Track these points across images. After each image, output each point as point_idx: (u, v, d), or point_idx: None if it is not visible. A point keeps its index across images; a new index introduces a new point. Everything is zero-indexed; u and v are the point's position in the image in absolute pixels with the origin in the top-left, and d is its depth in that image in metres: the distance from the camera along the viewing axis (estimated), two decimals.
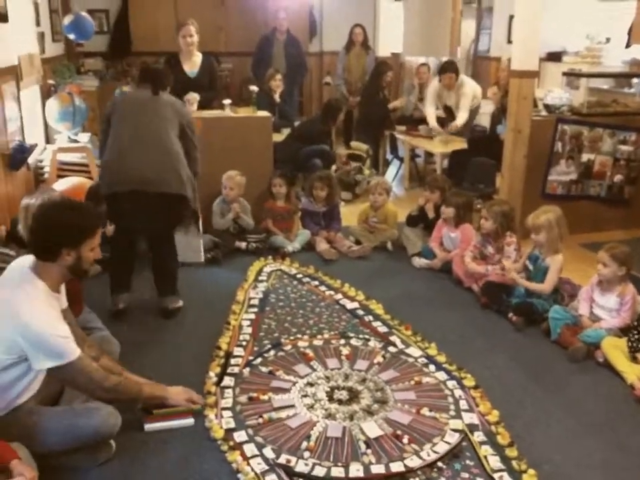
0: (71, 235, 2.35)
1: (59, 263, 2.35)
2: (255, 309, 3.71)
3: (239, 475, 2.34)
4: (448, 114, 6.41)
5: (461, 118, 6.21)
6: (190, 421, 2.64)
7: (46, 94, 5.75)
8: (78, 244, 2.36)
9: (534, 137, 4.81)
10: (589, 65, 6.68)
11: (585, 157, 4.98)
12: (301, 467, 2.39)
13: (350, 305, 3.78)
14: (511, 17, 7.22)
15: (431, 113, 6.35)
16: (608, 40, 6.90)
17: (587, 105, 5.09)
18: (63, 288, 2.49)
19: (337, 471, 2.37)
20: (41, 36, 5.98)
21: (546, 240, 3.59)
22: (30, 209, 3.16)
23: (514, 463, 2.41)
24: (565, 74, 5.82)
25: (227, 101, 5.04)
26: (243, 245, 4.61)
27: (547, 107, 5.03)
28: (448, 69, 6.22)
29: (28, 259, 2.39)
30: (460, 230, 4.28)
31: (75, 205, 2.46)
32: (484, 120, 6.84)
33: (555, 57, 7.09)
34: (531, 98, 4.83)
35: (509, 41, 7.43)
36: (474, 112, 6.52)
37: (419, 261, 4.42)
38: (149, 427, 2.59)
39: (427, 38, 9.44)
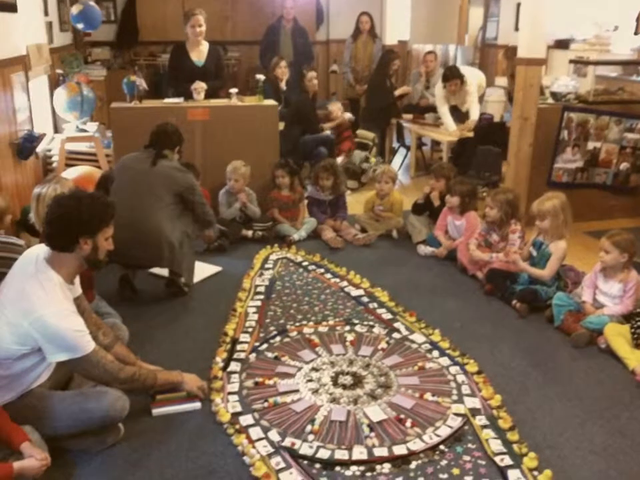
0: (88, 223, 2.37)
1: (76, 253, 2.38)
2: (261, 296, 3.75)
3: (245, 458, 2.38)
4: (454, 111, 6.38)
5: (474, 114, 6.18)
6: (197, 404, 2.69)
7: (54, 84, 5.79)
8: (95, 232, 2.40)
9: (540, 124, 4.81)
10: (597, 53, 6.64)
11: (591, 144, 4.97)
12: (305, 450, 2.43)
13: (355, 292, 3.82)
14: (519, 4, 7.17)
15: (447, 113, 6.29)
16: (616, 27, 6.85)
17: (593, 92, 5.07)
18: (77, 278, 2.52)
19: (341, 454, 2.41)
20: (49, 25, 6.02)
21: (550, 226, 3.60)
22: (42, 197, 3.20)
23: (515, 446, 2.44)
24: (572, 61, 5.79)
25: (233, 90, 5.07)
26: (250, 233, 4.65)
27: (553, 94, 5.02)
28: (452, 75, 6.16)
29: (42, 249, 2.41)
30: (465, 218, 4.29)
31: (89, 195, 2.48)
32: (490, 107, 6.83)
33: (562, 44, 7.06)
34: (538, 86, 4.82)
35: (517, 29, 7.40)
36: (479, 100, 6.49)
37: (424, 249, 4.44)
38: (156, 411, 2.64)
39: (434, 26, 9.45)
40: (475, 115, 6.17)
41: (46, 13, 5.92)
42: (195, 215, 3.74)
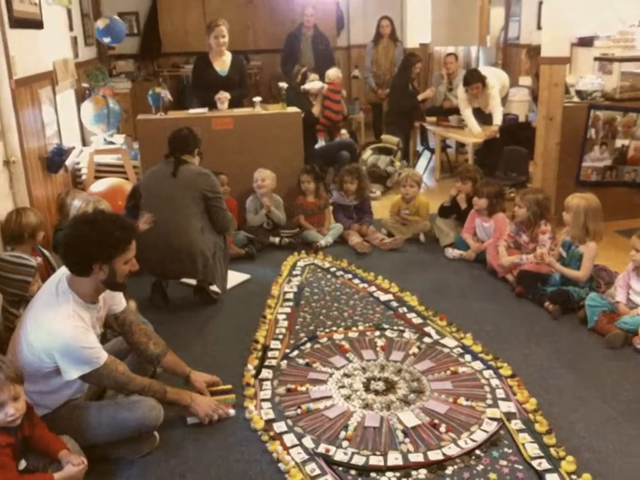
0: (101, 250, 2.34)
1: (92, 278, 2.37)
2: (290, 303, 3.76)
3: (280, 465, 2.39)
4: (477, 113, 6.34)
5: (497, 118, 6.10)
6: (231, 411, 2.70)
7: (80, 97, 5.89)
8: (110, 259, 2.36)
9: (566, 123, 4.76)
10: (622, 49, 6.54)
11: (619, 142, 4.90)
12: (340, 456, 2.43)
13: (384, 297, 3.81)
14: (540, 3, 7.15)
15: (470, 116, 6.24)
16: None
17: (619, 89, 5.00)
18: (101, 297, 2.50)
19: (376, 460, 2.40)
20: (74, 40, 6.12)
21: (571, 223, 3.57)
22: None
23: (552, 450, 2.41)
24: (596, 59, 5.73)
25: (257, 99, 5.10)
26: (277, 240, 4.67)
27: (578, 93, 4.97)
28: (473, 79, 6.10)
29: (66, 269, 2.42)
30: (493, 219, 4.26)
31: (106, 218, 2.42)
32: (514, 107, 6.77)
33: (586, 41, 6.96)
34: (563, 84, 4.77)
35: (539, 27, 7.34)
36: (503, 101, 6.44)
37: (452, 252, 4.41)
38: (191, 419, 2.66)
39: (456, 27, 9.40)
40: (497, 120, 6.09)
41: (71, 28, 6.02)
42: (212, 219, 3.69)
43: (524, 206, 3.90)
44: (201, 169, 3.72)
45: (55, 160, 4.38)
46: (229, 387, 2.86)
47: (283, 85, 5.19)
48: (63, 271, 2.43)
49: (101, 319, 2.54)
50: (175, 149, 3.73)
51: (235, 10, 8.50)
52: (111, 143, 5.55)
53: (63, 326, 2.26)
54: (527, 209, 3.89)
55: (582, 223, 3.54)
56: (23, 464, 2.21)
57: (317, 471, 2.35)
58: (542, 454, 2.40)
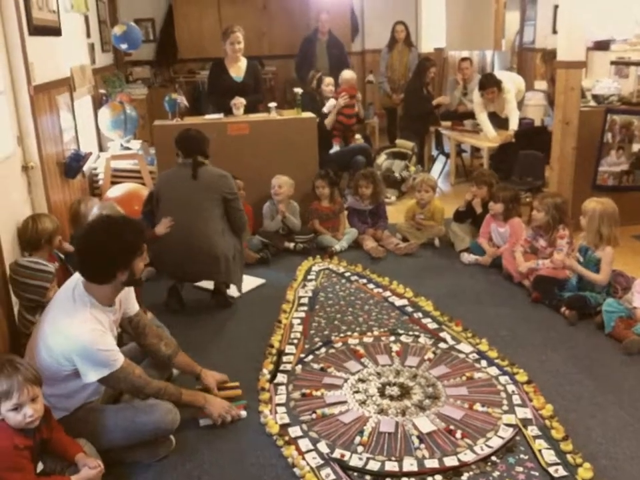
0: (122, 258, 2.39)
1: (112, 284, 2.41)
2: (305, 308, 3.77)
3: (295, 469, 2.39)
4: (493, 117, 6.31)
5: (513, 123, 6.07)
6: (242, 413, 2.71)
7: (98, 103, 5.95)
8: (130, 263, 2.41)
9: (583, 128, 4.73)
10: (639, 53, 6.49)
11: (636, 147, 4.86)
12: (355, 461, 2.42)
13: (399, 302, 3.80)
14: (556, 7, 7.11)
15: (486, 120, 6.21)
16: None
17: (637, 94, 4.97)
18: (117, 300, 2.53)
19: (391, 465, 2.40)
20: (91, 47, 6.19)
21: (586, 227, 3.56)
22: None
23: (569, 456, 2.39)
24: (613, 63, 5.69)
25: (272, 104, 5.12)
26: (291, 245, 4.68)
27: (595, 97, 4.94)
28: (488, 84, 6.08)
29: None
30: (509, 224, 4.24)
31: (120, 225, 2.45)
32: (530, 112, 6.74)
33: (602, 45, 6.92)
34: (579, 89, 4.75)
35: (554, 31, 7.31)
36: (519, 105, 6.41)
37: (468, 257, 4.40)
38: (203, 422, 2.67)
39: (471, 31, 9.38)
40: (514, 124, 6.06)
41: (88, 35, 6.09)
42: (229, 220, 3.73)
43: (542, 210, 3.88)
44: (220, 171, 3.75)
45: (72, 165, 4.43)
46: (236, 384, 2.88)
47: (298, 90, 5.21)
48: (78, 276, 2.44)
49: (117, 321, 2.56)
50: (191, 150, 3.74)
51: (251, 16, 8.55)
52: (128, 148, 5.61)
53: (80, 329, 2.28)
54: (545, 213, 3.87)
55: (596, 228, 3.52)
56: (40, 466, 2.23)
57: (332, 476, 2.35)
58: (558, 460, 2.38)
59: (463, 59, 7.22)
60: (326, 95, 6.10)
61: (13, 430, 2.08)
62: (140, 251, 2.45)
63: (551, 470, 2.34)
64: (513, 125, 6.05)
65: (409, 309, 3.71)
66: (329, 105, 5.91)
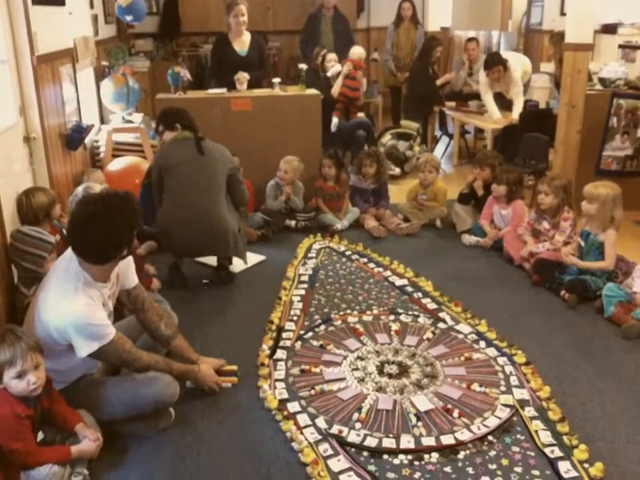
0: (125, 238, 2.38)
1: (111, 264, 2.39)
2: (305, 285, 3.77)
3: (293, 444, 2.41)
4: (499, 98, 6.26)
5: (517, 108, 6.02)
6: (233, 379, 2.77)
7: (100, 75, 5.89)
8: (131, 241, 2.42)
9: (588, 111, 4.71)
10: None
11: None
12: (352, 437, 2.44)
13: (399, 282, 3.81)
14: None
15: (491, 101, 6.16)
16: None
17: None
18: (114, 274, 2.49)
19: (388, 442, 2.42)
20: (94, 18, 6.11)
21: (596, 212, 3.53)
22: None
23: (565, 438, 2.41)
24: (620, 46, 5.64)
25: (276, 80, 5.08)
26: (293, 223, 4.67)
27: (601, 80, 4.90)
28: (494, 62, 6.01)
29: None
30: (511, 207, 4.23)
31: (119, 203, 2.38)
32: (535, 94, 6.68)
33: (610, 28, 6.84)
34: (585, 72, 4.71)
35: (562, 13, 7.22)
36: (525, 87, 6.37)
37: (469, 238, 4.39)
38: (189, 384, 2.72)
39: (477, 11, 9.27)
40: (517, 109, 6.01)
41: (91, 6, 6.02)
42: (231, 194, 3.74)
43: (552, 193, 3.85)
44: (218, 145, 3.75)
45: (74, 137, 4.41)
46: (235, 368, 2.87)
47: (303, 66, 5.16)
48: (72, 252, 2.41)
49: (113, 295, 2.54)
50: (186, 124, 3.73)
51: None
52: (130, 121, 5.56)
53: (72, 304, 2.27)
54: (554, 196, 3.85)
55: (609, 212, 3.50)
56: (40, 436, 2.27)
57: (330, 451, 2.37)
58: (554, 441, 2.40)
59: (470, 39, 7.14)
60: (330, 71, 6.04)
61: (14, 399, 2.10)
62: (138, 227, 2.44)
63: (547, 450, 2.36)
64: (517, 110, 5.99)
65: (409, 289, 3.72)
66: (334, 70, 5.85)
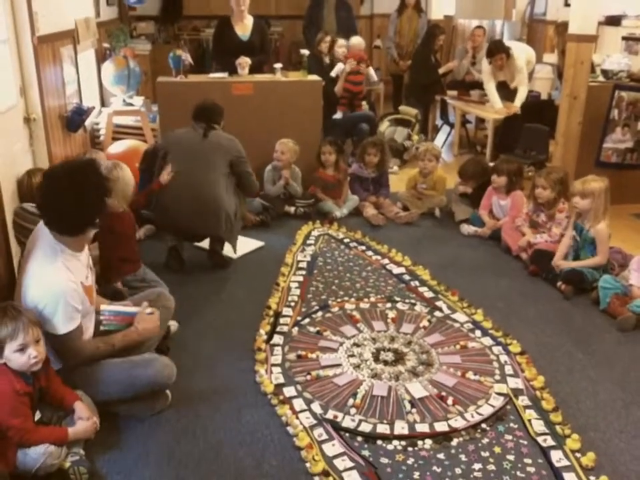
0: (97, 205, 2.36)
1: (86, 234, 2.38)
2: (303, 272, 3.78)
3: (288, 428, 2.43)
4: (502, 88, 6.24)
5: (520, 97, 5.99)
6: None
7: (101, 57, 5.86)
8: (103, 208, 2.42)
9: (590, 103, 4.70)
10: None
11: None
12: (347, 423, 2.46)
13: (396, 270, 3.82)
14: None
15: (493, 90, 6.14)
16: None
17: None
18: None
19: (383, 428, 2.44)
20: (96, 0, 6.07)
21: (590, 207, 3.53)
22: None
23: (558, 427, 2.43)
24: (624, 38, 5.61)
25: (277, 65, 5.05)
26: (292, 209, 4.67)
27: (604, 72, 4.89)
28: (497, 50, 5.97)
29: None
30: (510, 197, 4.24)
31: (82, 170, 2.35)
32: (537, 85, 6.66)
33: (613, 20, 6.81)
34: (588, 63, 4.70)
35: (567, 4, 7.18)
36: (528, 77, 6.34)
37: (467, 228, 4.40)
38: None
39: (481, 0, 9.21)
40: (520, 98, 5.98)
41: None
42: (240, 185, 3.79)
43: (549, 186, 3.86)
44: (228, 135, 3.78)
45: (74, 119, 4.39)
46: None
47: (305, 52, 5.14)
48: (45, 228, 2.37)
49: (92, 270, 2.53)
50: (205, 116, 3.77)
51: None
52: (130, 104, 5.54)
53: (53, 279, 2.25)
54: (551, 190, 3.86)
55: (602, 204, 3.50)
56: (37, 415, 2.27)
57: (325, 436, 2.39)
58: (547, 431, 2.43)
59: (478, 27, 7.09)
60: (338, 57, 6.00)
61: (14, 375, 2.12)
62: (108, 191, 2.42)
63: (540, 439, 2.38)
64: (520, 99, 5.97)
65: (406, 277, 3.73)
66: (337, 69, 5.84)
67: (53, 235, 2.33)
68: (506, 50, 5.96)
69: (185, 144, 3.71)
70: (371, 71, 6.07)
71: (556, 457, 2.29)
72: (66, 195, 2.27)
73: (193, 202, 3.56)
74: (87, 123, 4.94)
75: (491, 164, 4.83)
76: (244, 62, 4.96)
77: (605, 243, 3.52)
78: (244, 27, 5.30)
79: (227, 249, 3.88)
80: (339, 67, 5.84)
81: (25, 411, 2.13)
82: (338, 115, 5.84)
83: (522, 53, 6.14)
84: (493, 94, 6.10)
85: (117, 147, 4.95)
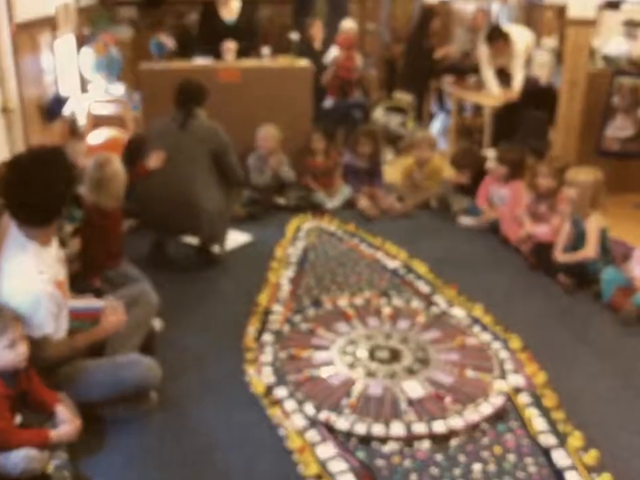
0: (68, 194, 2.32)
1: (55, 223, 2.33)
2: (294, 266, 3.69)
3: (280, 429, 2.36)
4: (500, 75, 6.14)
5: (517, 82, 5.91)
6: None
7: (81, 44, 5.70)
8: (72, 193, 2.38)
9: (590, 90, 4.63)
10: None
11: None
12: (341, 424, 2.39)
13: (391, 264, 3.72)
14: None
15: (490, 76, 6.06)
16: None
17: None
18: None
19: (378, 429, 2.37)
20: None
21: (576, 198, 3.46)
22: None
23: (560, 425, 2.38)
24: (624, 23, 5.51)
25: (265, 50, 4.91)
26: (282, 201, 4.55)
27: (604, 58, 4.79)
28: (496, 36, 5.88)
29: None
30: (509, 187, 4.14)
31: (53, 162, 2.29)
32: (536, 70, 6.55)
33: (613, 5, 6.72)
34: (588, 49, 4.60)
35: None
36: (527, 62, 6.24)
37: (465, 220, 4.31)
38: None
39: None
40: (518, 80, 5.90)
41: None
42: (225, 174, 3.64)
43: (550, 176, 3.79)
44: (210, 124, 3.62)
45: (53, 108, 4.29)
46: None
47: (294, 36, 4.99)
48: (9, 219, 2.30)
49: (60, 258, 2.46)
50: (185, 100, 3.60)
51: None
52: (111, 92, 5.39)
53: (27, 283, 2.20)
54: (552, 178, 3.79)
55: (587, 198, 3.42)
56: (18, 419, 2.21)
57: (318, 437, 2.32)
58: (549, 429, 2.37)
59: (480, 10, 6.98)
60: (313, 37, 5.87)
61: None
62: (76, 179, 2.37)
63: (541, 438, 2.32)
64: (516, 84, 5.88)
65: (402, 271, 3.64)
66: (331, 56, 5.71)
67: (20, 229, 2.26)
68: (505, 35, 5.87)
69: (163, 138, 3.53)
70: (359, 56, 5.95)
71: (557, 455, 2.24)
72: (33, 184, 2.21)
73: (171, 203, 3.43)
74: (66, 112, 4.80)
75: (490, 151, 4.72)
76: (230, 47, 4.81)
77: (593, 236, 3.43)
78: (230, 11, 5.15)
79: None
80: (331, 53, 5.70)
81: (4, 414, 2.08)
82: (328, 103, 5.68)
83: (521, 37, 6.04)
84: (490, 80, 6.01)
85: (97, 137, 4.81)
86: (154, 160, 3.43)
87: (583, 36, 4.50)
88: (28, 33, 3.94)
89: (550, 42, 6.67)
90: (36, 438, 2.12)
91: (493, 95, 5.96)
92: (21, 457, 2.04)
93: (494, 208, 4.24)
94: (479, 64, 6.16)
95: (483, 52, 6.05)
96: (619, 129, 4.73)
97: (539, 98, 5.47)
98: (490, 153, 4.57)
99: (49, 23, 4.55)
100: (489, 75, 6.02)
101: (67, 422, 2.19)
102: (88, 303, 2.58)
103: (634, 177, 4.20)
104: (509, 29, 6.04)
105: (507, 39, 5.84)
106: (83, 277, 2.92)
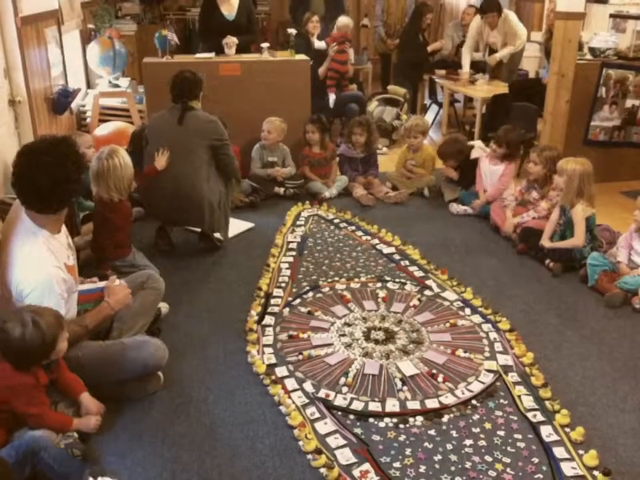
0: (78, 182, 2.35)
1: (64, 210, 2.37)
2: (293, 253, 3.78)
3: (281, 407, 2.45)
4: (491, 52, 6.23)
5: (502, 53, 6.03)
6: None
7: (86, 39, 5.78)
8: (81, 181, 2.38)
9: (578, 81, 4.68)
10: (637, 7, 6.39)
11: (630, 102, 4.83)
12: (339, 401, 2.48)
13: (386, 250, 3.83)
14: None
15: (467, 56, 6.18)
16: None
17: (633, 48, 4.91)
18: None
19: (374, 406, 2.46)
20: None
21: (564, 187, 3.55)
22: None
23: (547, 403, 2.46)
24: (611, 16, 5.60)
25: (265, 45, 5.00)
26: (281, 190, 4.65)
27: (592, 50, 4.88)
28: (488, 7, 5.99)
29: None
30: (503, 165, 4.23)
31: (65, 151, 2.31)
32: (525, 63, 6.65)
33: None
34: (576, 41, 4.68)
35: None
36: (518, 55, 6.33)
37: (457, 207, 4.41)
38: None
39: None
40: (503, 53, 6.05)
41: None
42: (219, 168, 3.68)
43: (540, 163, 3.88)
44: (208, 116, 3.66)
45: (60, 101, 4.35)
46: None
47: (292, 31, 5.08)
48: (19, 208, 2.34)
49: (69, 244, 2.51)
50: (181, 94, 3.64)
51: None
52: (116, 85, 5.48)
53: (39, 265, 2.24)
54: (542, 166, 3.87)
55: (574, 188, 3.51)
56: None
57: (317, 415, 2.41)
58: (537, 406, 2.46)
59: (470, 6, 7.06)
60: (311, 32, 5.95)
61: (38, 366, 2.16)
62: (84, 167, 2.40)
63: (530, 415, 2.41)
64: (501, 54, 6.02)
65: (396, 257, 3.74)
66: (320, 46, 5.80)
67: (31, 218, 2.31)
68: (499, 8, 5.95)
69: (161, 135, 3.60)
70: (351, 50, 6.05)
71: (545, 432, 2.32)
72: (43, 169, 2.23)
73: (174, 197, 3.52)
74: (73, 105, 4.89)
75: (476, 142, 4.82)
76: (230, 42, 4.91)
77: (580, 224, 3.53)
78: (230, 7, 5.23)
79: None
80: (322, 44, 5.81)
81: (43, 399, 2.16)
82: (331, 98, 5.79)
83: (522, 29, 6.14)
84: (465, 59, 6.12)
85: (103, 129, 4.91)
86: (161, 161, 3.51)
87: (572, 28, 4.57)
88: (34, 27, 3.99)
89: (538, 36, 6.76)
90: (60, 423, 2.19)
91: (461, 74, 6.09)
92: (37, 437, 2.06)
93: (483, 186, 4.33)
94: (467, 35, 6.26)
95: (474, 22, 6.13)
96: (605, 119, 4.84)
97: (528, 90, 5.57)
98: (476, 143, 4.67)
99: (54, 16, 4.61)
100: (467, 52, 6.17)
101: (92, 414, 2.26)
102: (91, 285, 2.64)
103: (619, 165, 4.30)
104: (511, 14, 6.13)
105: (500, 11, 5.92)
106: (94, 265, 3.00)
